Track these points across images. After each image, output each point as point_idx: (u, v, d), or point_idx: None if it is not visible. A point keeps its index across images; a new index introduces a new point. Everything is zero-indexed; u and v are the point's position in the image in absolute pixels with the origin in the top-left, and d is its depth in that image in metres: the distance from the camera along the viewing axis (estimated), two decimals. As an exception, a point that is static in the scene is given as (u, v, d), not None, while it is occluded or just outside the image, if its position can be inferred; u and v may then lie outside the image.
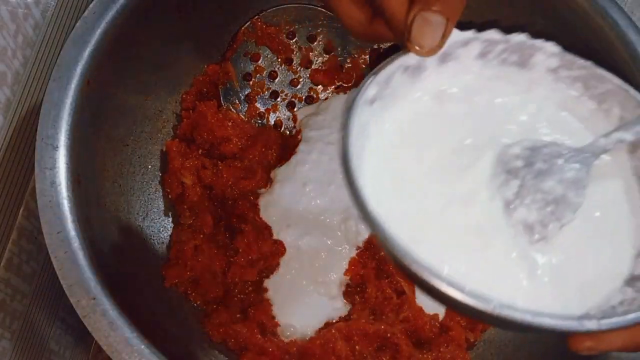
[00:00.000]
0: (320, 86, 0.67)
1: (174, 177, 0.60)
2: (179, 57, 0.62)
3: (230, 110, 0.64)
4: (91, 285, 0.43)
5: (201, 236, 0.58)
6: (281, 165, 0.62)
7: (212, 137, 0.61)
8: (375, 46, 0.68)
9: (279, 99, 0.66)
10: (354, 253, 0.59)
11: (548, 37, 0.61)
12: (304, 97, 0.67)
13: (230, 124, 0.61)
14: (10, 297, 0.52)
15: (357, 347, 0.54)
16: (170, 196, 0.61)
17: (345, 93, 0.66)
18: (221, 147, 0.61)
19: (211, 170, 0.60)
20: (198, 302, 0.58)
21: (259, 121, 0.65)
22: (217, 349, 0.55)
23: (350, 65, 0.67)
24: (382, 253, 0.57)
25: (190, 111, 0.62)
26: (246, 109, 0.65)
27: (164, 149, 0.62)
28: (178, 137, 0.62)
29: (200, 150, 0.61)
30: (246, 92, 0.65)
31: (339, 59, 0.66)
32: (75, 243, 0.44)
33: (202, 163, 0.60)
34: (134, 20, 0.53)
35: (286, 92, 0.66)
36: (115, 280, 0.49)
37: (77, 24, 0.50)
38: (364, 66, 0.66)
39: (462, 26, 0.40)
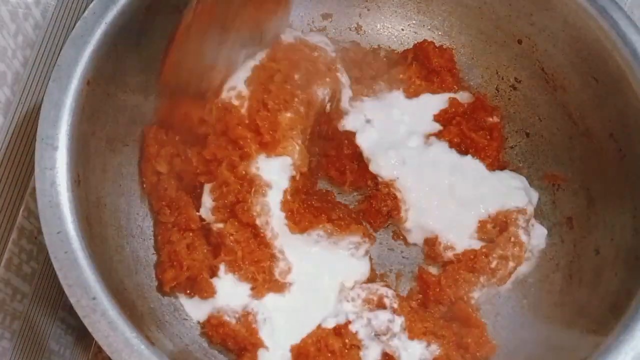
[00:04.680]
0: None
1: (149, 165, 0.58)
2: (179, 57, 0.62)
3: None
4: (91, 285, 0.43)
5: (191, 234, 0.57)
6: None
7: (189, 122, 0.58)
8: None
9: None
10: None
11: (548, 36, 0.61)
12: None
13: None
14: (10, 297, 0.52)
15: (346, 340, 0.54)
16: (144, 186, 0.59)
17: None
18: (198, 130, 0.58)
19: (181, 158, 0.58)
20: (198, 302, 0.57)
21: None
22: (217, 349, 0.55)
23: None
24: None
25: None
26: None
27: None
28: (158, 122, 0.59)
29: (177, 137, 0.59)
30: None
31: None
32: (75, 243, 0.44)
33: (177, 151, 0.58)
34: (133, 21, 0.53)
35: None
36: (115, 281, 0.49)
37: (77, 24, 0.50)
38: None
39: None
